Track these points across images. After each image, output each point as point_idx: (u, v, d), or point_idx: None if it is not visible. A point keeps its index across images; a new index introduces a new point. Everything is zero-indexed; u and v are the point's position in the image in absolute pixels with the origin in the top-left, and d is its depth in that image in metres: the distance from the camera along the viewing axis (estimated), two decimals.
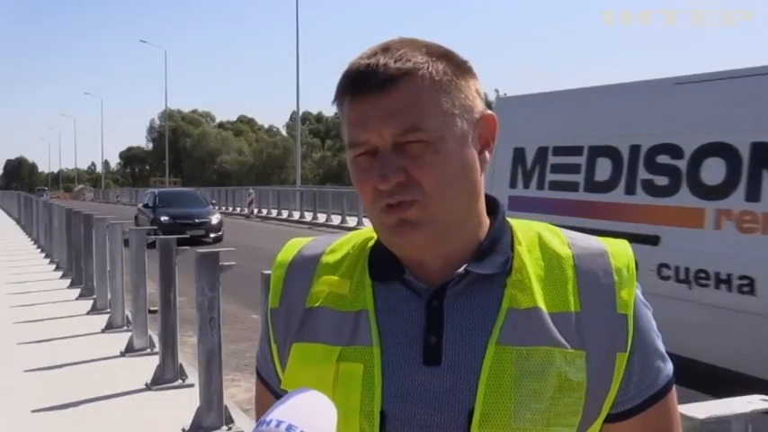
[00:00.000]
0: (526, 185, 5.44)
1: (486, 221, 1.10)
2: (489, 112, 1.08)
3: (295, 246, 1.19)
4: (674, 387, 1.09)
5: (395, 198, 1.01)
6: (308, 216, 29.80)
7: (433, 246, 1.04)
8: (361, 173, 1.03)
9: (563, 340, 1.02)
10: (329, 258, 1.14)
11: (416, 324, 1.05)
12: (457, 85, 1.04)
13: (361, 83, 1.01)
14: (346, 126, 1.04)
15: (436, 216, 1.02)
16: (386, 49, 1.04)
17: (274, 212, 33.78)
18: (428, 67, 1.02)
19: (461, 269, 1.05)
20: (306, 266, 1.15)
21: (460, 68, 1.06)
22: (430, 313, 1.05)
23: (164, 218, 22.06)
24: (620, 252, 1.09)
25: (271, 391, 1.17)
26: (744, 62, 4.55)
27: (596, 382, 1.02)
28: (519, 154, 5.51)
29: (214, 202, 30.11)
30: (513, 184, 5.53)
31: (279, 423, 0.85)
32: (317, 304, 1.11)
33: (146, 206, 23.92)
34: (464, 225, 1.07)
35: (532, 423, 0.99)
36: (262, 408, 1.17)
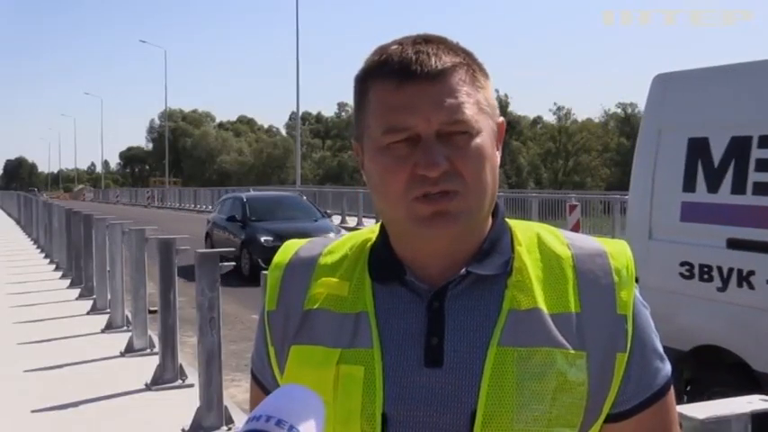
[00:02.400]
0: (712, 188, 4.29)
1: (489, 221, 1.10)
2: (502, 117, 1.11)
3: (292, 247, 1.19)
4: (672, 387, 1.09)
5: (438, 187, 1.00)
6: None
7: (458, 239, 1.05)
8: (395, 159, 1.02)
9: (564, 341, 1.02)
10: (327, 260, 1.14)
11: (417, 326, 1.05)
12: (487, 85, 1.07)
13: (412, 69, 1.01)
14: (382, 111, 1.03)
15: (473, 208, 1.03)
16: (427, 40, 1.05)
17: None
18: (472, 64, 1.05)
19: (462, 270, 1.05)
20: (303, 268, 1.14)
21: (485, 71, 1.09)
22: (431, 315, 1.05)
23: (265, 238, 14.43)
24: (619, 252, 1.09)
25: (266, 393, 1.16)
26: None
27: (597, 382, 1.02)
28: (698, 146, 4.35)
29: (329, 211, 19.84)
30: (688, 187, 4.42)
31: (269, 418, 0.85)
32: (315, 306, 1.10)
33: (231, 219, 15.68)
34: (482, 223, 1.08)
35: (534, 424, 0.99)
36: None
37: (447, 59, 1.03)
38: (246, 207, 15.84)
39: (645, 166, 4.87)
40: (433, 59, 1.02)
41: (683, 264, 4.55)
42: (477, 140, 1.02)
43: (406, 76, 1.01)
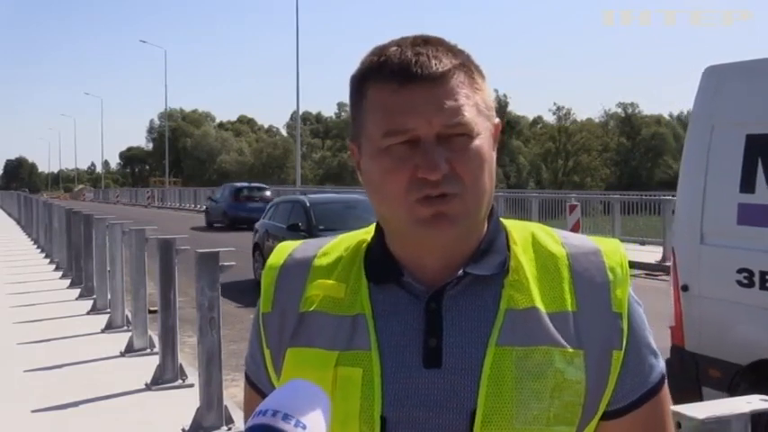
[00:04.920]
0: None
1: (486, 223, 1.11)
2: (498, 118, 1.11)
3: (285, 249, 1.19)
4: (666, 383, 1.10)
5: (438, 190, 1.00)
6: None
7: (457, 242, 1.05)
8: (395, 161, 1.02)
9: (561, 340, 1.03)
10: (322, 261, 1.14)
11: (415, 327, 1.05)
12: (484, 86, 1.08)
13: (413, 71, 1.01)
14: (382, 113, 1.03)
15: (471, 211, 1.03)
16: (426, 41, 1.05)
17: None
18: (470, 65, 1.06)
19: (460, 271, 1.05)
20: (298, 270, 1.14)
21: (482, 73, 1.09)
22: (429, 316, 1.05)
23: None
24: (612, 251, 1.10)
25: (261, 395, 1.15)
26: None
27: (594, 380, 1.03)
28: (758, 144, 4.03)
29: None
30: (747, 188, 4.10)
31: (275, 413, 0.86)
32: (311, 308, 1.10)
33: (293, 228, 12.26)
34: (480, 224, 1.08)
35: (534, 423, 1.00)
36: (250, 411, 1.16)
37: (446, 62, 1.03)
38: (311, 213, 12.65)
39: (696, 165, 4.50)
40: (433, 62, 1.02)
41: (740, 270, 4.19)
42: (477, 143, 1.02)
43: (406, 78, 1.01)
